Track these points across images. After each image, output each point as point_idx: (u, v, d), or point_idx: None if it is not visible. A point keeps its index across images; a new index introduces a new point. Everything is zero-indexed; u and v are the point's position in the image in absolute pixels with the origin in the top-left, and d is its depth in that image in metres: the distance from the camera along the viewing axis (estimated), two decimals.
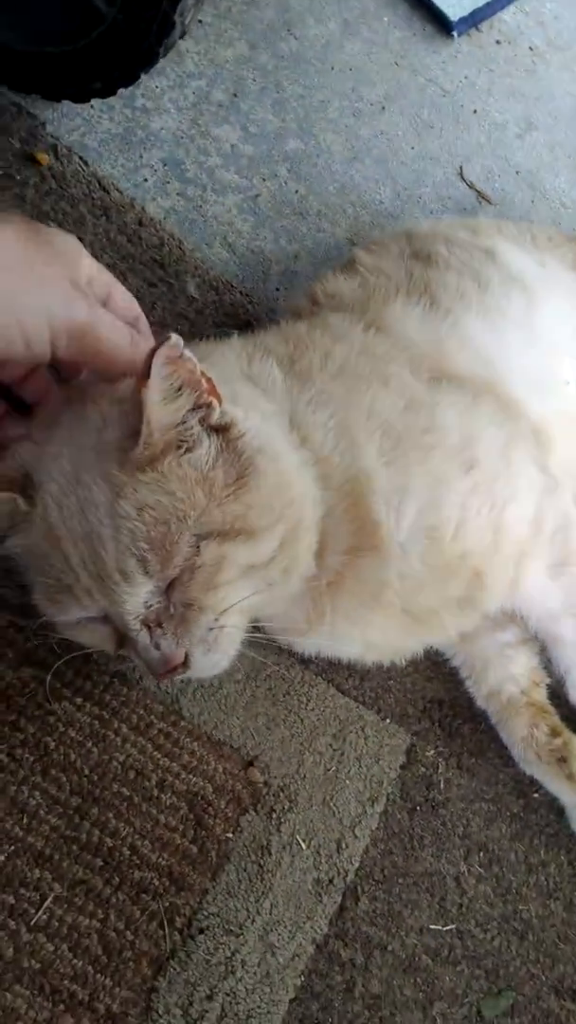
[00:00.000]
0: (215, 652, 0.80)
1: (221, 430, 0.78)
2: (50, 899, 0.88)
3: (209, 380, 0.77)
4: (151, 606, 0.76)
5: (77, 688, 0.99)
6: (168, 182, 1.38)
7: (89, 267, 0.78)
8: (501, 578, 0.97)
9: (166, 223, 1.33)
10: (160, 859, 0.93)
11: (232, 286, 1.31)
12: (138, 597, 0.75)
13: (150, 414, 0.71)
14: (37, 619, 0.82)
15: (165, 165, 1.39)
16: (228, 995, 0.89)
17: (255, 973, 0.91)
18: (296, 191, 1.47)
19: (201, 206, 1.38)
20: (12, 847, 0.90)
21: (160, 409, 0.73)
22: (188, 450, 0.76)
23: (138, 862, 0.92)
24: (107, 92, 1.23)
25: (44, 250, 0.73)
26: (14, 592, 0.92)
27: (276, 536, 0.80)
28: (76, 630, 0.83)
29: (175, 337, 0.70)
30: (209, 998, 0.89)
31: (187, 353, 0.72)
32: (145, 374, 0.70)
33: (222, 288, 1.29)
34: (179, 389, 0.74)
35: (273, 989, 0.92)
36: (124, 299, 0.82)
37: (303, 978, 0.93)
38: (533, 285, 1.16)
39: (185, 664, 0.78)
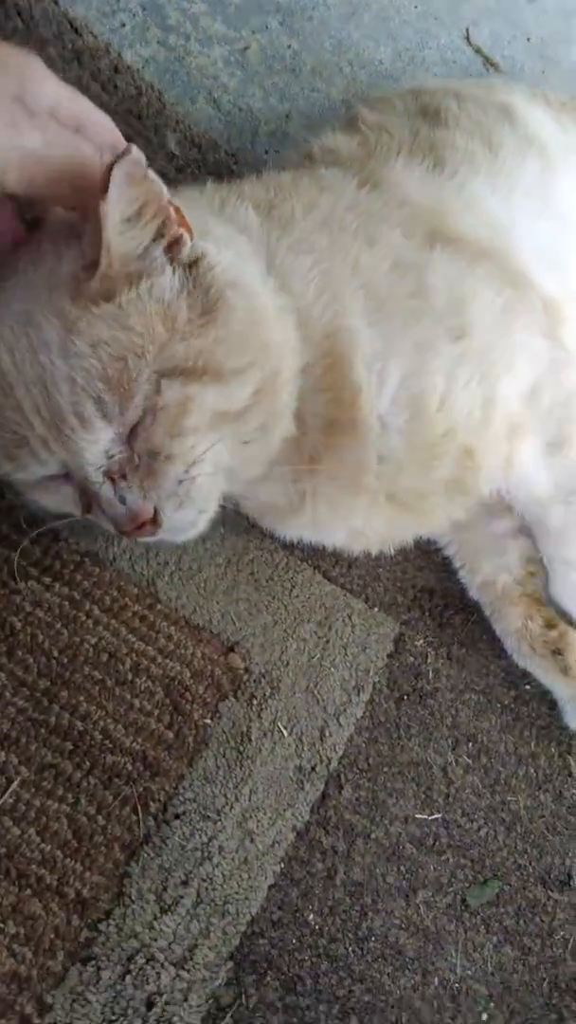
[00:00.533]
0: (187, 507, 0.74)
1: (190, 266, 0.71)
2: (16, 783, 0.84)
3: (178, 209, 0.69)
4: (112, 456, 0.70)
5: (46, 567, 0.93)
6: (148, 29, 1.26)
7: (54, 91, 0.69)
8: (493, 457, 0.89)
9: (144, 72, 1.21)
10: (134, 744, 0.89)
11: (216, 144, 1.20)
12: (98, 445, 0.69)
13: (109, 238, 0.64)
14: None
15: (144, 10, 1.26)
16: (204, 880, 0.86)
17: (233, 859, 0.88)
18: (288, 46, 1.35)
19: (184, 57, 1.26)
20: None
21: (119, 235, 0.65)
22: (149, 281, 0.68)
23: (110, 746, 0.88)
24: None
25: None
26: None
27: (250, 382, 0.73)
28: (38, 491, 0.76)
29: (136, 151, 0.62)
30: (184, 883, 0.85)
31: (152, 174, 0.64)
32: (103, 189, 0.61)
33: (205, 146, 1.18)
34: (141, 213, 0.66)
35: (251, 875, 0.88)
36: (103, 127, 0.72)
37: (283, 864, 0.90)
38: (551, 149, 1.06)
39: (155, 521, 0.72)
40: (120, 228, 0.65)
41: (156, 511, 0.72)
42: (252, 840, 0.89)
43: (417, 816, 0.96)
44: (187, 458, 0.72)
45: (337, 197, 0.88)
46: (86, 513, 0.75)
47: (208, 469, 0.74)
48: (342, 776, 0.95)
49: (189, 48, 1.27)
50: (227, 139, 1.24)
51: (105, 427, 0.68)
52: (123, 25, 1.24)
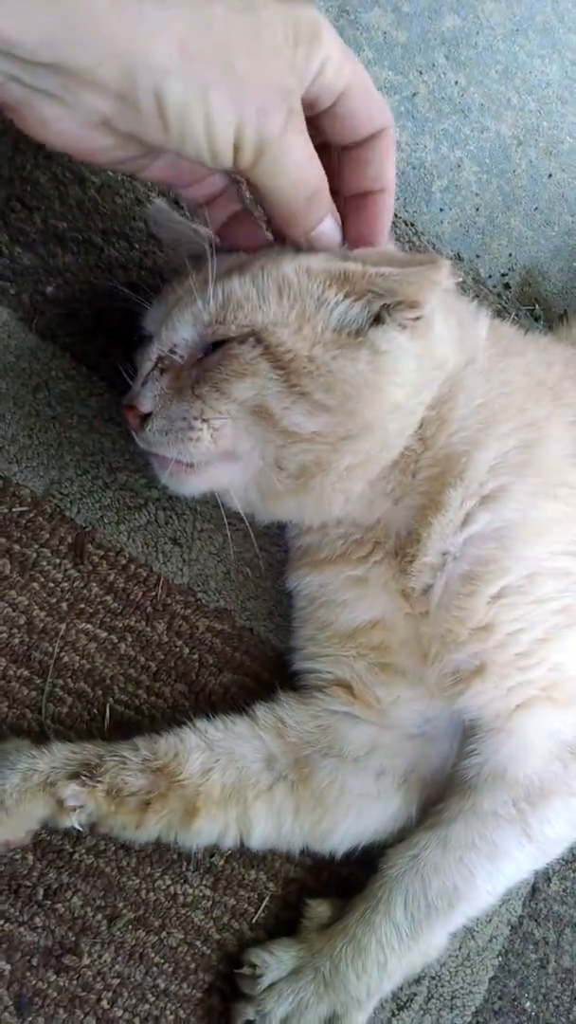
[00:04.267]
0: (169, 441, 0.76)
1: (377, 318, 0.76)
2: (267, 898, 0.92)
3: None
4: (174, 352, 0.77)
5: None
6: None
7: (327, 50, 0.65)
8: (498, 690, 0.80)
9: None
10: None
11: (395, 215, 1.18)
12: (174, 332, 0.77)
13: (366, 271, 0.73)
14: None
15: None
16: (433, 979, 0.94)
17: (457, 956, 0.95)
18: (456, 82, 1.30)
19: None
20: None
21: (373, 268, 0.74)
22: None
23: None
24: None
25: (256, 38, 0.61)
26: None
27: (315, 422, 0.75)
28: (141, 348, 0.84)
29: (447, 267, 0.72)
30: (417, 982, 0.93)
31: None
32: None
33: None
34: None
35: (474, 970, 0.96)
36: (363, 103, 0.70)
37: (500, 958, 0.97)
38: None
39: (142, 423, 0.77)
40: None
41: (149, 417, 0.77)
42: (473, 937, 0.96)
43: None
44: (207, 411, 0.75)
45: (568, 359, 0.88)
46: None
47: (216, 440, 0.76)
48: (550, 869, 1.01)
49: None
50: (403, 204, 1.22)
51: (189, 326, 0.76)
52: None
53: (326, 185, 0.71)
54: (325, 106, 0.69)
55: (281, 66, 0.62)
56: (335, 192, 0.75)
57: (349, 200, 0.77)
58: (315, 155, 0.68)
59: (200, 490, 0.82)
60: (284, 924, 0.91)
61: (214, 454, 0.77)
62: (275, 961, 0.84)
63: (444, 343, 0.83)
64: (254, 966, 0.85)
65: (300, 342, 0.73)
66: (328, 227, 0.74)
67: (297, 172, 0.66)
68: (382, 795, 0.87)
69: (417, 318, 0.76)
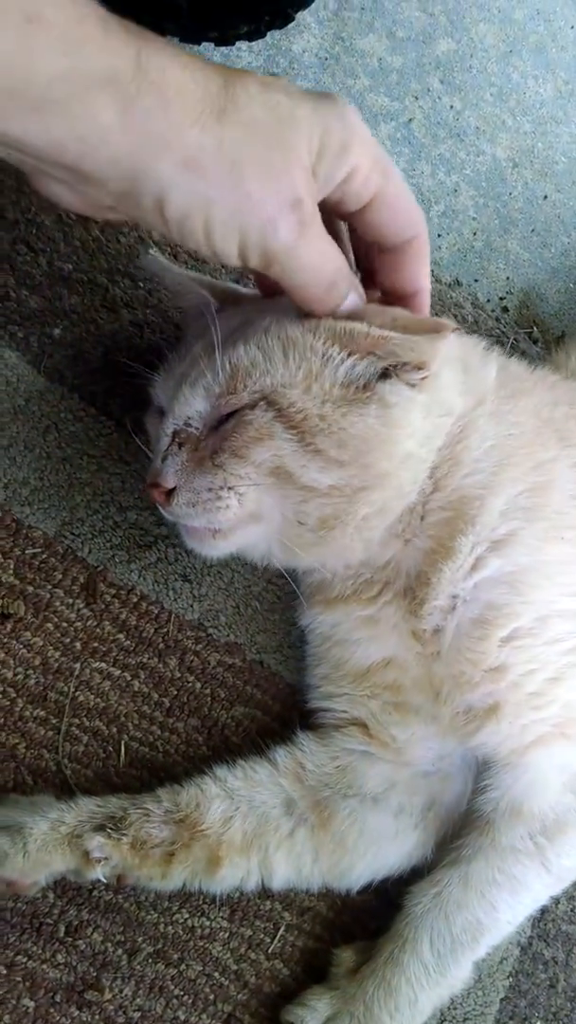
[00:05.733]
0: (197, 513, 0.77)
1: (384, 374, 0.77)
2: (283, 928, 0.93)
3: None
4: (189, 424, 0.78)
5: None
6: None
7: (355, 163, 0.64)
8: (512, 727, 0.82)
9: None
10: None
11: None
12: (187, 406, 0.77)
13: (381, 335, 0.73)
14: None
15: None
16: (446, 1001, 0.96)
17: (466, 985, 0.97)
18: (451, 106, 1.31)
19: None
20: None
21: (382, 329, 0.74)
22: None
23: None
24: (255, 35, 1.08)
25: (273, 152, 0.60)
26: None
27: (331, 476, 0.76)
28: (151, 418, 0.87)
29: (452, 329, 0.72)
30: None
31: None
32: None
33: None
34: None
35: (485, 992, 0.98)
36: (392, 214, 0.70)
37: (511, 979, 1.00)
38: None
39: (168, 498, 0.78)
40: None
41: (174, 491, 0.77)
42: (484, 960, 0.98)
43: None
44: (230, 479, 0.76)
45: (573, 399, 0.89)
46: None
47: (240, 505, 0.77)
48: None
49: None
50: None
51: (202, 399, 0.77)
52: None
53: (346, 268, 0.71)
54: (352, 210, 0.69)
55: (297, 178, 0.61)
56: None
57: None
58: (331, 248, 0.68)
59: (229, 551, 0.84)
60: (300, 952, 0.93)
61: (240, 518, 0.78)
62: (310, 1013, 0.86)
63: (451, 390, 0.84)
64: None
65: (310, 401, 0.74)
66: (352, 302, 0.73)
67: (312, 272, 0.67)
68: (400, 834, 0.89)
69: (423, 378, 0.77)
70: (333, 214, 0.70)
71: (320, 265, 0.67)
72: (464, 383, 0.86)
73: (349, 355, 0.74)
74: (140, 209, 0.59)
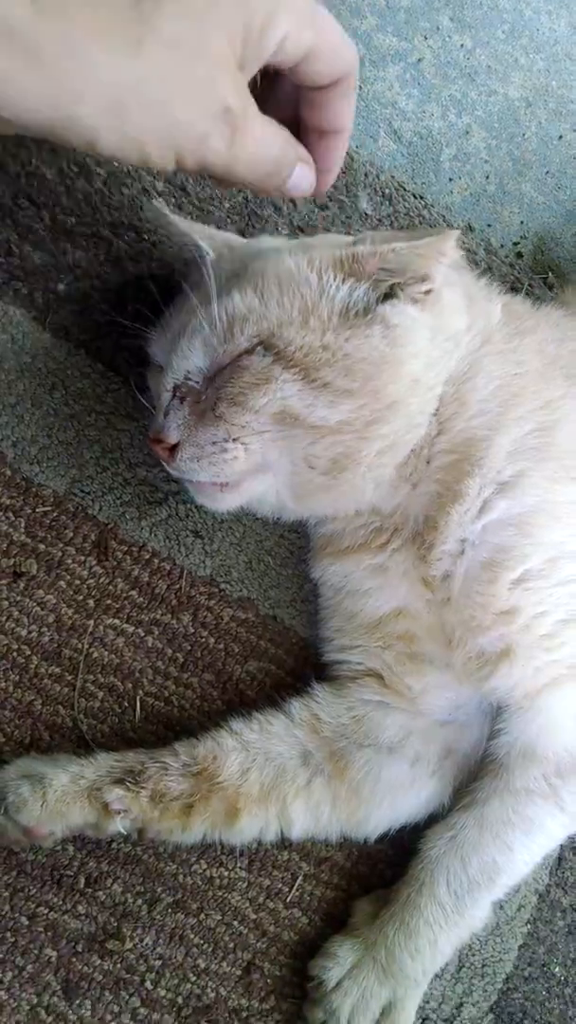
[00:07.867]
0: (202, 467, 0.77)
1: (387, 295, 0.77)
2: (300, 877, 0.94)
3: None
4: (189, 378, 0.77)
5: None
6: None
7: (283, 30, 0.62)
8: (524, 670, 0.81)
9: None
10: None
11: (404, 189, 1.16)
12: (186, 360, 0.77)
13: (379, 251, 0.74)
14: None
15: None
16: (465, 949, 0.97)
17: (486, 926, 0.98)
18: (462, 45, 1.27)
19: (361, 86, 1.21)
20: None
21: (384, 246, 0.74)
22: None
23: None
24: None
25: (195, 61, 0.59)
26: None
27: (341, 410, 0.75)
28: (153, 373, 0.86)
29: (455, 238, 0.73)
30: None
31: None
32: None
33: (395, 195, 1.15)
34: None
35: (503, 939, 0.99)
36: (326, 62, 0.67)
37: (529, 926, 1.00)
38: None
39: (172, 452, 0.77)
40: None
41: (178, 447, 0.77)
42: (502, 908, 0.99)
43: None
44: (233, 430, 0.75)
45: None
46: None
47: (246, 455, 0.76)
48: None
49: (364, 74, 1.21)
50: (412, 176, 1.20)
51: (200, 352, 0.76)
52: None
53: (287, 144, 0.69)
54: (285, 69, 0.67)
55: (223, 86, 0.60)
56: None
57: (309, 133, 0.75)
58: (268, 132, 0.66)
59: (238, 504, 0.83)
60: (318, 901, 0.94)
61: (247, 469, 0.77)
62: (334, 962, 0.87)
63: (454, 314, 0.83)
64: (318, 977, 0.88)
65: (310, 335, 0.73)
66: (299, 175, 0.71)
67: (252, 165, 0.65)
68: (416, 782, 0.89)
69: (428, 291, 0.76)
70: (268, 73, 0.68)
71: (260, 156, 0.66)
72: (465, 308, 0.85)
73: (344, 281, 0.74)
74: (71, 145, 0.58)
